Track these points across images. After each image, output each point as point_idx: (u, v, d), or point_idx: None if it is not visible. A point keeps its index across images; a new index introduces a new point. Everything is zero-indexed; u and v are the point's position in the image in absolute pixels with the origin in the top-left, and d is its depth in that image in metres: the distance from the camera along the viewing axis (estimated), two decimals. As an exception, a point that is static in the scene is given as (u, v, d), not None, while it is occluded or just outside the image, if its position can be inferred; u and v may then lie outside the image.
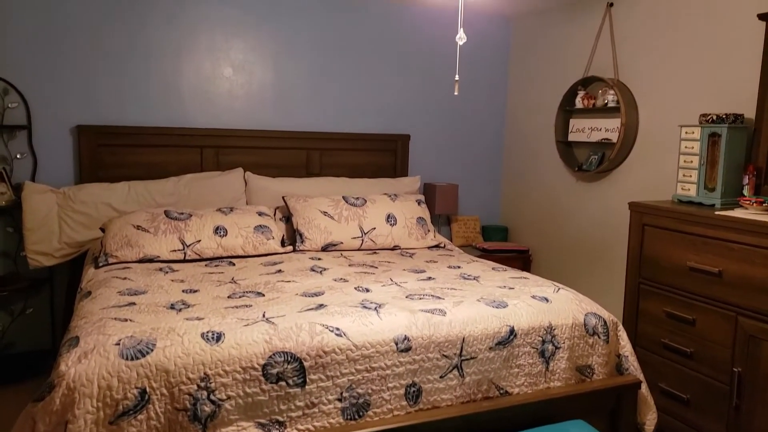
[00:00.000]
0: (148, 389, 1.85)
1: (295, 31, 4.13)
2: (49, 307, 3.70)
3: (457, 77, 2.23)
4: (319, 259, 3.28)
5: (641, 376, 2.57)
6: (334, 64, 4.28)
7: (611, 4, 3.78)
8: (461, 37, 2.04)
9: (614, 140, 3.71)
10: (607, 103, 3.74)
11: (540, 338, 2.41)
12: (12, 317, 3.66)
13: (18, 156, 3.55)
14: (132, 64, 3.76)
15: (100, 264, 3.02)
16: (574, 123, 4.09)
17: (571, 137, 4.11)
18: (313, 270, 2.99)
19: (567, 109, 4.12)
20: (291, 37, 4.13)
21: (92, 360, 1.85)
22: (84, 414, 1.78)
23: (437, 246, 3.79)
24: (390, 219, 3.72)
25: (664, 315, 2.96)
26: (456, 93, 2.23)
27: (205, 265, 3.09)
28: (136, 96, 3.79)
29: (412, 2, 4.22)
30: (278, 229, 3.52)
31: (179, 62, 3.87)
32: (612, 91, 3.69)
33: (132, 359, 1.87)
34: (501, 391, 2.32)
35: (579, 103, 3.98)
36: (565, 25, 4.20)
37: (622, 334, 2.62)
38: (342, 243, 3.55)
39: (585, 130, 3.98)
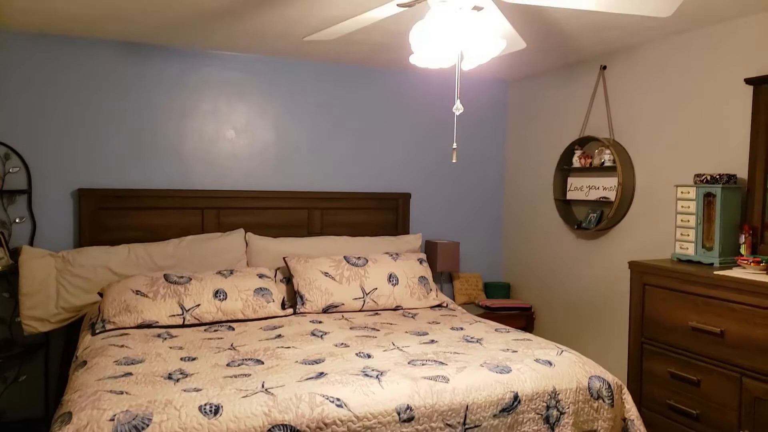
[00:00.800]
0: (144, 466, 1.80)
1: (297, 93, 4.22)
2: (44, 374, 3.64)
3: (454, 145, 2.26)
4: (320, 322, 3.25)
5: (649, 442, 2.51)
6: (335, 124, 4.35)
7: (604, 67, 3.87)
8: (458, 108, 2.08)
9: (612, 199, 3.74)
10: (603, 163, 3.79)
11: (544, 404, 2.37)
12: (5, 385, 3.60)
13: (17, 220, 3.56)
14: (135, 127, 3.82)
15: (98, 330, 2.99)
16: (572, 181, 4.13)
17: (570, 195, 4.14)
18: (314, 334, 2.96)
19: (565, 168, 4.16)
20: (292, 99, 4.21)
21: (87, 436, 1.82)
22: (78, 494, 1.73)
23: (440, 305, 3.77)
24: (392, 278, 3.70)
25: (669, 376, 2.92)
26: (454, 161, 2.26)
27: (205, 330, 3.06)
28: (138, 158, 3.84)
29: (411, 68, 4.33)
30: (278, 291, 3.51)
31: (182, 125, 3.94)
32: (608, 151, 3.74)
33: (128, 435, 1.83)
34: (506, 461, 2.27)
35: (576, 162, 4.03)
36: (561, 86, 4.30)
37: (627, 397, 2.57)
38: (343, 304, 3.53)
39: (583, 188, 4.02)
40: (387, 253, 3.97)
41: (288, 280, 3.71)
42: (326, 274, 3.60)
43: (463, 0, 1.97)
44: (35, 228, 3.59)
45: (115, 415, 1.90)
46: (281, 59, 4.15)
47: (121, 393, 2.08)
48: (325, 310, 3.50)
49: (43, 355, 3.63)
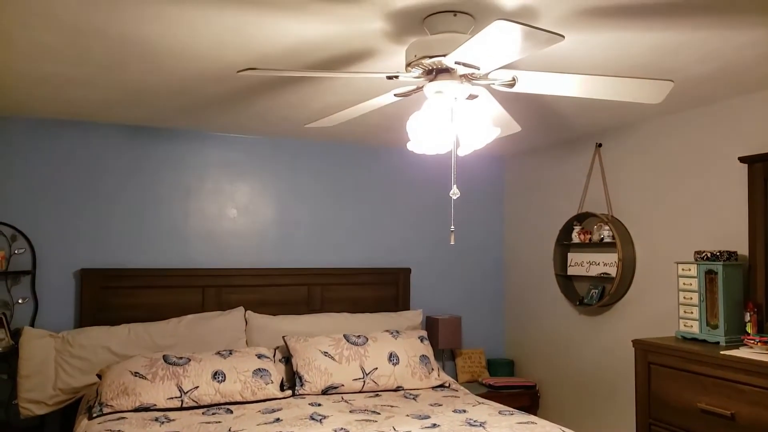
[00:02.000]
0: None
1: (297, 172, 4.31)
2: (38, 458, 3.55)
3: (452, 228, 2.30)
4: (319, 404, 3.19)
5: None
6: (336, 201, 4.42)
7: (600, 144, 3.96)
8: (455, 192, 2.12)
9: (613, 274, 3.74)
10: (603, 238, 3.81)
11: (550, 493, 2.29)
12: (-1, 470, 3.51)
13: (20, 301, 3.57)
14: (138, 207, 3.89)
15: (95, 414, 2.93)
16: (572, 257, 4.14)
17: (570, 271, 4.15)
18: (313, 418, 2.90)
19: (564, 243, 4.18)
20: (293, 177, 4.30)
21: None
22: None
23: (442, 386, 3.70)
24: (392, 358, 3.66)
25: (680, 461, 2.83)
26: (452, 242, 2.29)
27: (203, 413, 3.00)
28: (141, 238, 3.88)
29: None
30: (277, 372, 3.46)
31: (185, 205, 4.00)
32: (607, 227, 3.78)
33: None
34: None
35: (576, 237, 4.05)
36: (557, 163, 4.38)
37: (637, 485, 2.49)
38: (343, 385, 3.47)
39: (583, 264, 4.03)
40: (387, 330, 3.94)
41: (287, 359, 3.67)
42: (326, 353, 3.57)
43: (458, 90, 2.05)
44: (37, 308, 3.60)
45: None
46: (282, 139, 4.27)
47: (115, 485, 2.03)
48: (325, 392, 3.44)
49: (38, 438, 3.55)
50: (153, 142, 3.93)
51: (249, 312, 3.97)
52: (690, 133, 3.38)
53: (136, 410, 3.00)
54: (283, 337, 3.75)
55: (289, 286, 4.20)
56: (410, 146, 2.12)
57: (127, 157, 3.87)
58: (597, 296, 3.93)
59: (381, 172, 4.56)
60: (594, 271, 3.93)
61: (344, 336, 3.74)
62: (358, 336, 3.76)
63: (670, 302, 3.38)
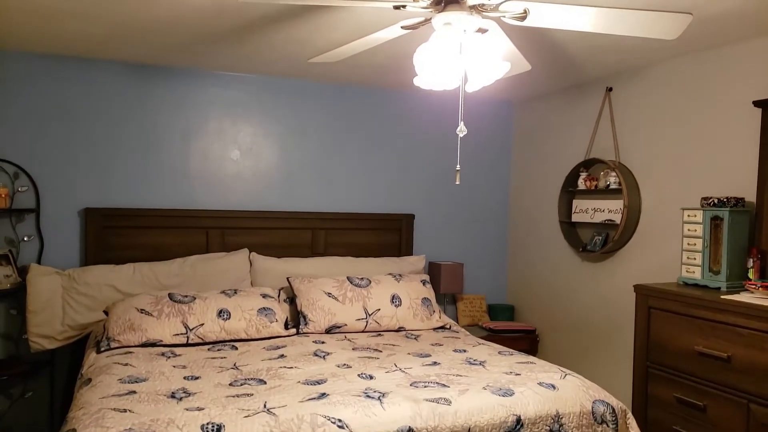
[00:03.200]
0: (144, 486, 1.80)
1: (302, 114, 4.26)
2: (49, 391, 3.64)
3: (458, 167, 2.27)
4: (323, 342, 3.24)
5: (654, 468, 2.48)
6: (340, 145, 4.38)
7: (610, 89, 3.89)
8: (461, 130, 2.09)
9: (618, 221, 3.73)
10: (609, 185, 3.79)
11: (547, 427, 2.34)
12: (11, 401, 3.60)
13: (25, 239, 3.59)
14: (140, 148, 3.86)
15: (102, 348, 2.99)
16: (577, 204, 4.13)
17: (575, 218, 4.14)
18: (316, 355, 2.96)
19: (570, 190, 4.17)
20: (297, 120, 4.25)
21: (88, 455, 1.81)
22: None
23: (443, 327, 3.75)
24: (395, 300, 3.70)
25: (675, 401, 2.89)
26: (457, 182, 2.27)
27: (208, 350, 3.06)
28: (144, 178, 3.87)
29: (415, 89, 4.36)
30: (282, 311, 3.50)
31: (187, 145, 3.97)
32: (614, 173, 3.75)
33: (129, 454, 1.83)
34: (509, 485, 2.24)
35: (581, 184, 4.03)
36: (566, 108, 4.32)
37: (632, 422, 2.55)
38: (346, 325, 3.52)
39: (588, 211, 4.02)
40: (390, 274, 3.97)
41: (291, 300, 3.71)
42: (329, 294, 3.60)
43: (467, 22, 2.00)
44: (43, 246, 3.62)
45: (117, 434, 1.90)
46: (286, 80, 4.20)
47: (125, 411, 2.08)
48: (328, 331, 3.49)
49: (49, 372, 3.63)
50: (154, 80, 3.87)
51: (253, 254, 3.99)
52: (703, 77, 3.30)
53: (143, 345, 3.05)
54: (288, 278, 3.78)
55: (293, 229, 4.21)
56: (416, 81, 2.08)
57: (127, 95, 3.82)
58: (600, 243, 3.93)
59: (387, 117, 4.51)
60: (599, 218, 3.92)
61: (348, 278, 3.77)
62: (362, 278, 3.79)
63: (673, 249, 3.38)
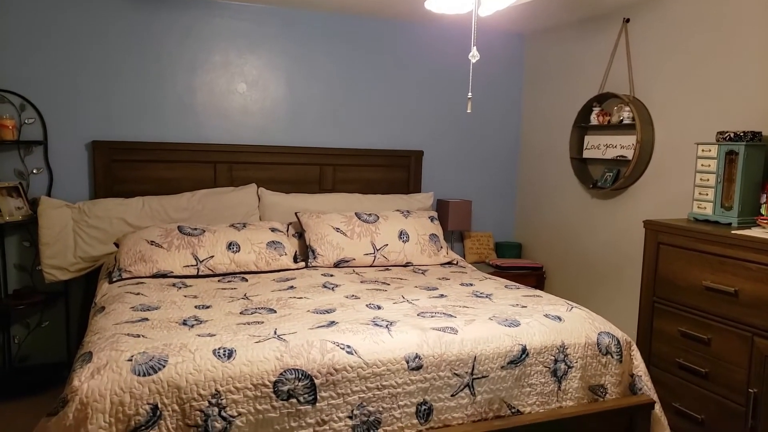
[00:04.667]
0: (159, 405, 1.85)
1: (309, 47, 4.17)
2: (64, 321, 3.73)
3: (470, 95, 2.23)
4: (331, 275, 3.27)
5: (655, 397, 2.53)
6: (348, 80, 4.30)
7: (627, 20, 3.77)
8: (474, 55, 2.04)
9: (630, 157, 3.69)
10: (622, 120, 3.73)
11: (552, 357, 2.38)
12: (28, 330, 3.69)
13: (34, 171, 3.60)
14: (147, 80, 3.81)
15: (114, 279, 3.04)
16: (589, 140, 4.07)
17: (586, 154, 4.10)
18: (325, 287, 2.99)
19: (582, 126, 4.10)
20: (305, 53, 4.17)
21: (105, 376, 1.86)
22: (96, 429, 1.79)
23: (450, 263, 3.78)
24: (402, 235, 3.71)
25: (679, 334, 2.92)
26: (469, 110, 2.23)
27: (218, 281, 3.10)
28: (150, 112, 3.84)
29: (425, 19, 4.25)
30: (291, 245, 3.53)
31: (193, 77, 3.91)
32: (627, 108, 3.68)
33: (144, 375, 1.88)
34: (512, 410, 2.30)
35: (594, 119, 3.97)
36: (580, 41, 4.20)
37: (636, 354, 2.59)
38: (354, 259, 3.55)
39: (600, 146, 3.97)
40: (398, 210, 3.97)
41: (300, 235, 3.73)
42: (338, 229, 3.62)
43: (481, -56, 1.92)
44: (52, 179, 3.63)
45: (132, 356, 1.95)
46: (293, 10, 4.09)
47: (138, 336, 2.13)
48: (336, 265, 3.52)
49: (64, 302, 3.71)
50: (157, 9, 3.78)
51: (262, 189, 3.99)
52: (724, 10, 3.19)
53: (154, 276, 3.10)
54: (296, 213, 3.79)
55: (301, 165, 4.19)
56: (428, 5, 2.01)
57: (130, 24, 3.73)
58: (611, 179, 3.90)
59: (396, 50, 4.41)
60: (610, 153, 3.88)
61: (356, 214, 3.77)
62: (370, 214, 3.79)
63: (685, 186, 3.35)
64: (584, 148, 4.11)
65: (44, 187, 3.62)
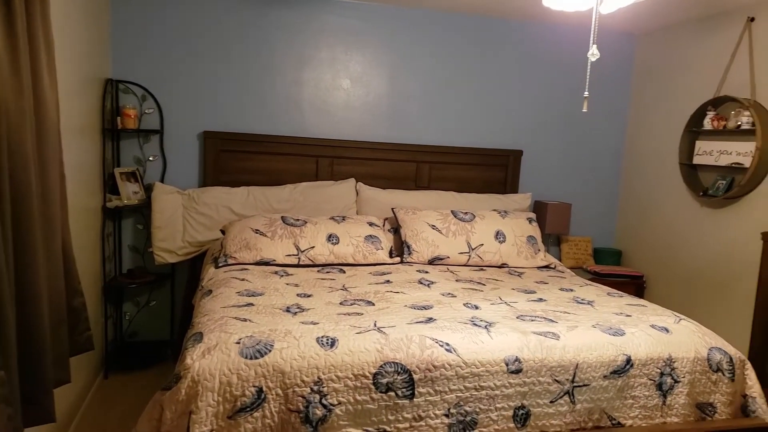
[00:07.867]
0: (264, 388, 1.92)
1: (413, 44, 4.19)
2: (170, 302, 3.95)
3: (586, 93, 2.16)
4: (426, 272, 3.28)
5: (771, 421, 2.37)
6: (449, 77, 4.29)
7: (752, 19, 3.53)
8: (594, 54, 1.98)
9: (746, 165, 3.46)
10: (740, 125, 3.50)
11: (658, 370, 2.28)
12: (138, 308, 3.94)
13: (151, 158, 3.83)
14: (256, 75, 3.96)
15: (220, 264, 3.18)
16: (701, 145, 3.86)
17: (697, 160, 3.88)
18: (421, 283, 3.00)
19: (693, 130, 3.89)
20: (408, 50, 4.19)
21: (215, 356, 1.95)
22: (206, 406, 1.88)
23: (547, 266, 3.69)
24: (499, 236, 3.66)
25: (800, 357, 2.72)
26: (585, 110, 2.17)
27: (318, 271, 3.18)
28: (258, 105, 3.98)
29: (530, 18, 4.16)
30: (387, 240, 3.57)
31: (300, 73, 4.03)
32: (747, 113, 3.45)
33: (251, 358, 1.95)
34: (613, 422, 2.22)
35: (708, 124, 3.75)
36: (696, 41, 3.98)
37: (750, 373, 2.42)
38: (448, 257, 3.54)
39: (713, 153, 3.75)
40: (495, 210, 3.92)
41: (395, 230, 3.76)
42: (433, 226, 3.62)
43: (605, -61, 1.85)
44: (166, 166, 3.85)
45: (240, 339, 2.03)
46: (399, 8, 4.12)
47: (245, 320, 2.22)
48: (431, 262, 3.52)
49: (170, 284, 3.93)
50: (269, 5, 3.91)
51: (360, 183, 4.06)
52: None
53: (258, 263, 3.22)
54: (393, 208, 3.82)
55: (399, 161, 4.22)
56: (546, 2, 1.97)
57: (243, 21, 3.89)
58: (724, 188, 3.68)
59: (502, 49, 4.35)
60: (724, 160, 3.65)
61: (452, 212, 3.76)
62: (466, 213, 3.77)
63: (810, 197, 3.11)
64: (695, 153, 3.90)
65: (158, 173, 3.85)
